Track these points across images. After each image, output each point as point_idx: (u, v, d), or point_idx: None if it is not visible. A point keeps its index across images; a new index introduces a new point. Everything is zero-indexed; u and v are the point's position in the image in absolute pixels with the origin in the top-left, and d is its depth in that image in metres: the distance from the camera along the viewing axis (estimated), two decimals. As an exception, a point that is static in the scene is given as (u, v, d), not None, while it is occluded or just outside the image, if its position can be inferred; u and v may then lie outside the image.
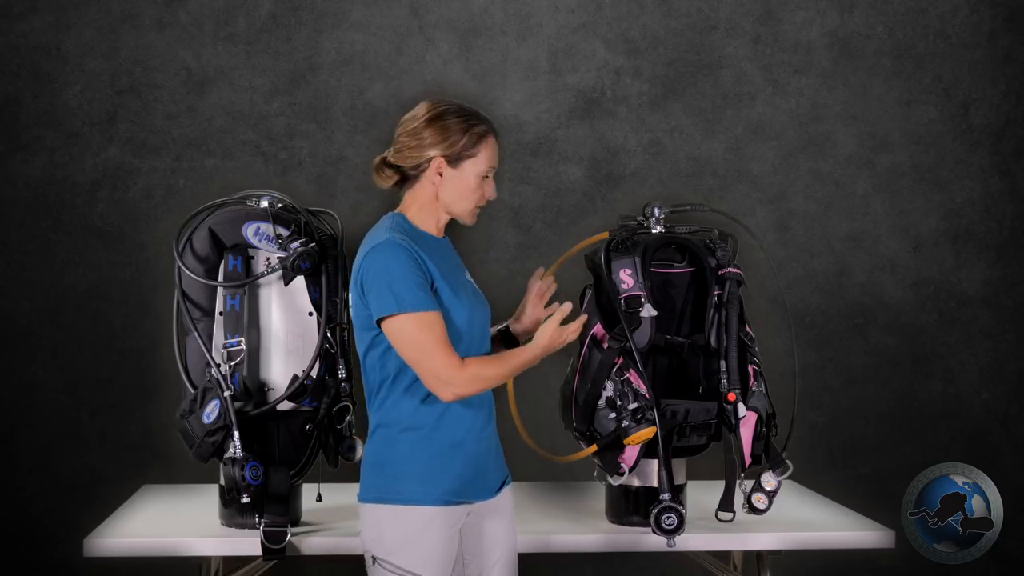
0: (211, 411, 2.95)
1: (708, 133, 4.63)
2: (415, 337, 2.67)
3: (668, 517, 2.99)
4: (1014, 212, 4.68)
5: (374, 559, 2.74)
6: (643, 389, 3.03)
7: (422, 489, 2.73)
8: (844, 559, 3.41)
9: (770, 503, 3.11)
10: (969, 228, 4.68)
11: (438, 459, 2.74)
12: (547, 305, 2.93)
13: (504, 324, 2.96)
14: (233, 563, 3.20)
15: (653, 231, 3.22)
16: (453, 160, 2.77)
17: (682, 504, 3.06)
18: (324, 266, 3.07)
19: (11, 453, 4.44)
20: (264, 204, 3.13)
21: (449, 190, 2.78)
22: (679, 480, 3.17)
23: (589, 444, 3.15)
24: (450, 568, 2.75)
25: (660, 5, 4.61)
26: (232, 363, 3.01)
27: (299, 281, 3.07)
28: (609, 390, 3.08)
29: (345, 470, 3.18)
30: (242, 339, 3.02)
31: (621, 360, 3.08)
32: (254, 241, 3.09)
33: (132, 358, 4.43)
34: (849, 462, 4.65)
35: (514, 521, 2.90)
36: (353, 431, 3.15)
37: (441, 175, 2.77)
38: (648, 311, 3.09)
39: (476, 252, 4.43)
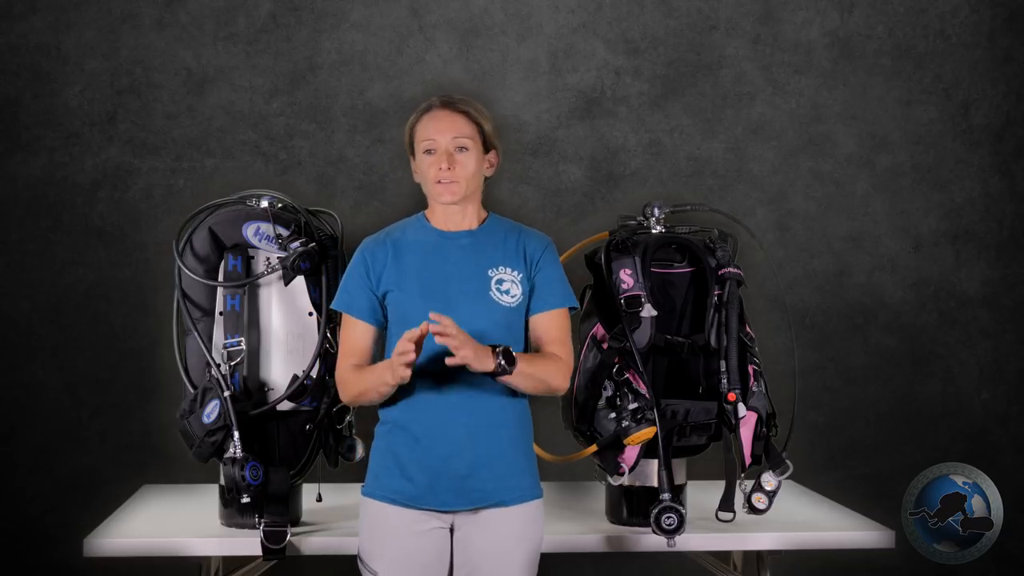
0: (211, 411, 2.95)
1: (708, 133, 4.63)
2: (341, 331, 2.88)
3: (668, 517, 2.98)
4: (1014, 212, 4.68)
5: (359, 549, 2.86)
6: (643, 389, 3.03)
7: (376, 483, 2.80)
8: (844, 559, 3.40)
9: (770, 503, 3.11)
10: (969, 228, 4.68)
11: (391, 456, 2.77)
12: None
13: None
14: (233, 563, 3.20)
15: (653, 231, 3.22)
16: (411, 150, 2.85)
17: (682, 504, 3.06)
18: (324, 266, 3.08)
19: (11, 453, 4.44)
20: (264, 204, 3.13)
21: (420, 180, 2.85)
22: (679, 480, 3.17)
23: (589, 444, 3.15)
24: (415, 573, 2.75)
25: (660, 5, 4.61)
26: (232, 363, 3.01)
27: (299, 281, 3.07)
28: (609, 390, 3.08)
29: (345, 470, 3.18)
30: (242, 339, 3.03)
31: (621, 360, 3.08)
32: (254, 241, 3.09)
33: (132, 358, 4.43)
34: (849, 462, 4.65)
35: (511, 548, 2.78)
36: (353, 431, 3.16)
37: (415, 171, 2.86)
38: (648, 311, 3.09)
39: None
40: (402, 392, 2.77)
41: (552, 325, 2.82)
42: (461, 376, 2.72)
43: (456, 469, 2.74)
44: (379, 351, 2.86)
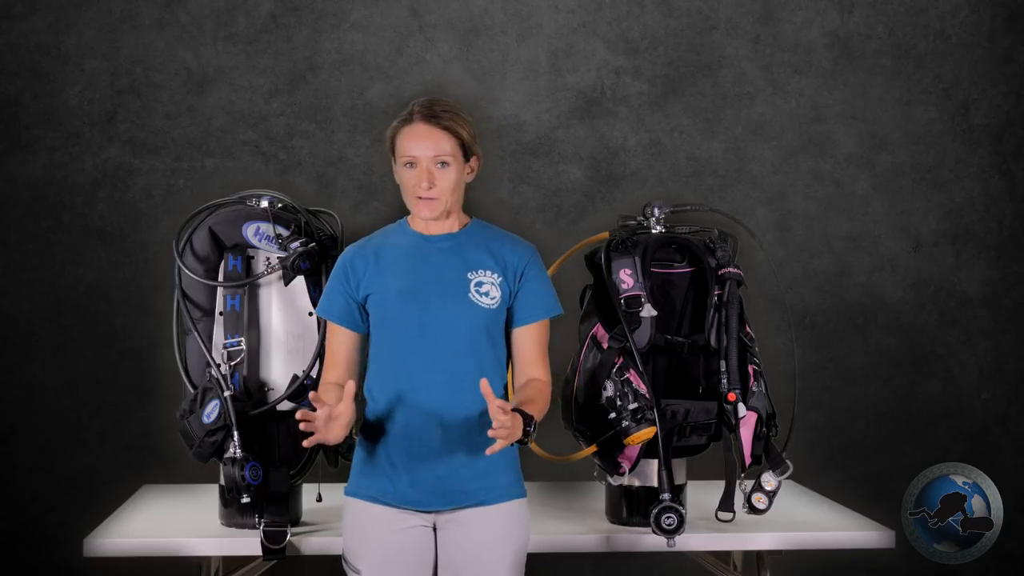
0: (211, 411, 2.95)
1: (708, 133, 4.63)
2: None
3: (668, 517, 2.98)
4: (1014, 212, 4.68)
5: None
6: (643, 389, 3.03)
7: (355, 481, 2.83)
8: (844, 559, 3.40)
9: (770, 503, 3.11)
10: (969, 228, 4.68)
11: (373, 455, 2.79)
12: None
13: None
14: (233, 563, 3.20)
15: (653, 231, 3.22)
16: (392, 154, 2.83)
17: (682, 504, 3.05)
18: (324, 266, 3.07)
19: (11, 453, 4.44)
20: (264, 204, 3.13)
21: (400, 186, 2.83)
22: (679, 480, 3.16)
23: (589, 444, 3.15)
24: (395, 572, 2.74)
25: (660, 5, 4.61)
26: (232, 363, 3.01)
27: (299, 281, 3.07)
28: (609, 390, 3.08)
29: (345, 470, 3.17)
30: (242, 339, 3.03)
31: (621, 360, 3.08)
32: (254, 241, 3.09)
33: (132, 358, 4.43)
34: (849, 462, 4.64)
35: (494, 549, 2.77)
36: (353, 431, 3.15)
37: (395, 174, 2.84)
38: (648, 311, 3.09)
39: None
40: (383, 392, 2.78)
41: (533, 340, 2.82)
42: (442, 376, 2.73)
43: (436, 468, 2.73)
44: (363, 357, 2.86)
